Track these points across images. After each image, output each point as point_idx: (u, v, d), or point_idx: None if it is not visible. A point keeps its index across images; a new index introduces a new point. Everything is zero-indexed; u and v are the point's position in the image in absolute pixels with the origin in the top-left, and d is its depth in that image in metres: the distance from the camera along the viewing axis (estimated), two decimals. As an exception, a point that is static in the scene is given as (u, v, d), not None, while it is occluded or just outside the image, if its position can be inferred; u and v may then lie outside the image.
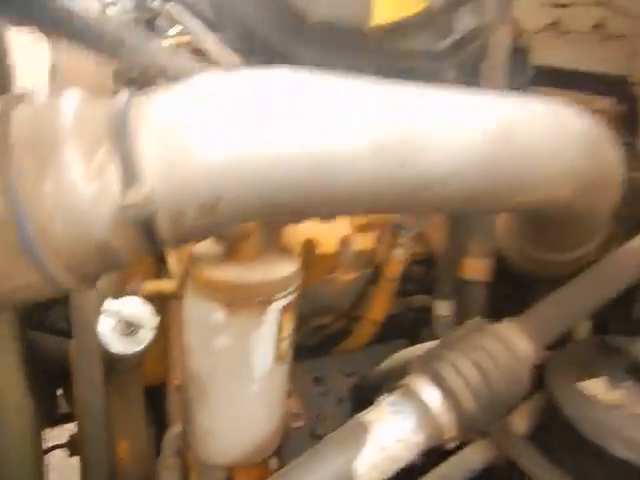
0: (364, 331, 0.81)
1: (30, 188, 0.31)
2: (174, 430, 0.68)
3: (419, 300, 0.89)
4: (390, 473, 0.47)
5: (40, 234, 0.32)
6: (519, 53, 0.97)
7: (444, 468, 0.59)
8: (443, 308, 0.79)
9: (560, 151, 0.42)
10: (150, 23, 0.91)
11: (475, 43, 0.61)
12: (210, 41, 0.72)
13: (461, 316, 0.80)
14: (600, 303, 0.54)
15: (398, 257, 0.76)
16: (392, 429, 0.47)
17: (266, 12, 0.62)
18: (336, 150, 0.36)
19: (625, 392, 0.55)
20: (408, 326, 0.85)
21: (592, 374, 0.58)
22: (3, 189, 0.31)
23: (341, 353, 0.82)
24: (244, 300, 0.51)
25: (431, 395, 0.47)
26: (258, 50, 0.65)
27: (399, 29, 0.57)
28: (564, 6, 1.08)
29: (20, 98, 0.34)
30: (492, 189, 0.40)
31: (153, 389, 0.82)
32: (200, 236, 0.48)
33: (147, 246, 0.34)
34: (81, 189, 0.31)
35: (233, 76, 0.36)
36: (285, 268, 0.53)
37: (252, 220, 0.47)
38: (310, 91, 0.36)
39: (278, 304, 0.53)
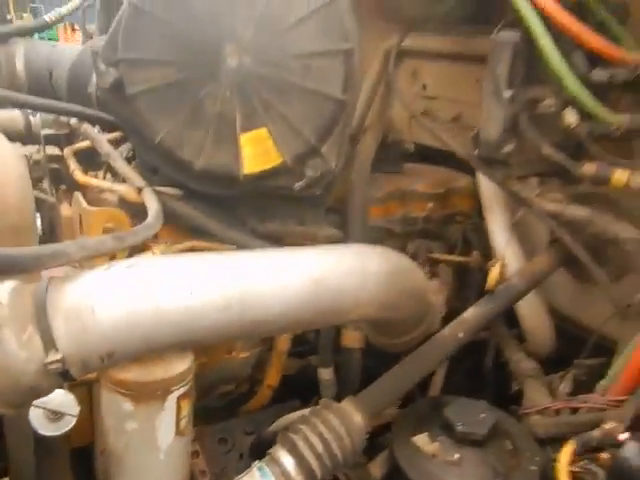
0: (262, 394, 0.97)
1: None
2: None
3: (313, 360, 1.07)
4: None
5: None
6: (392, 144, 1.19)
7: None
8: (325, 373, 0.97)
9: (362, 284, 0.62)
10: (68, 138, 1.06)
11: (322, 182, 0.80)
12: (119, 161, 0.88)
13: (341, 377, 0.98)
14: (418, 379, 0.73)
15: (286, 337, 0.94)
16: (258, 487, 0.64)
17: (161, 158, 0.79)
18: (196, 307, 0.53)
19: (439, 445, 0.74)
20: (303, 387, 1.02)
21: (420, 430, 0.77)
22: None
23: (245, 413, 0.98)
24: (148, 394, 0.67)
25: (287, 462, 0.65)
26: (158, 180, 0.82)
27: (263, 176, 0.75)
28: (432, 98, 1.32)
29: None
30: (315, 318, 0.59)
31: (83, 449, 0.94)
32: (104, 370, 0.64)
33: (64, 382, 0.50)
34: (16, 355, 0.46)
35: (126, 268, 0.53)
36: (181, 365, 0.69)
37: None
38: (175, 269, 0.54)
39: (176, 394, 0.69)
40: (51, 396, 0.73)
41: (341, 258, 0.65)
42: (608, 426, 0.62)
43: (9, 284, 0.49)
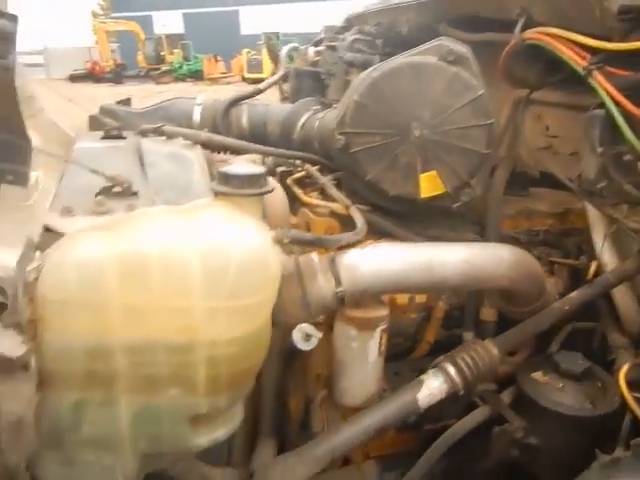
0: (422, 348, 1.42)
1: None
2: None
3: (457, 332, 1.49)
4: (433, 402, 1.08)
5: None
6: (520, 173, 1.58)
7: (456, 427, 1.18)
8: (468, 335, 1.39)
9: (498, 265, 1.04)
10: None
11: (469, 203, 1.26)
12: (332, 188, 1.39)
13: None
14: (535, 332, 1.14)
15: (441, 306, 1.38)
16: (433, 382, 1.08)
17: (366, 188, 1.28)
18: (411, 268, 1.00)
19: (549, 378, 1.13)
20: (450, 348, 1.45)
21: (537, 370, 1.17)
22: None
23: (408, 360, 1.44)
24: (366, 325, 1.15)
25: (450, 369, 1.09)
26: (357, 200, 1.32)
27: (432, 199, 1.22)
28: (553, 137, 1.68)
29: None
30: (468, 282, 1.03)
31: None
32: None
33: (341, 305, 0.99)
34: (324, 286, 0.96)
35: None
36: (383, 311, 1.16)
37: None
38: (399, 248, 1.01)
39: (380, 327, 1.16)
40: (303, 325, 1.24)
41: (483, 248, 1.08)
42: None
43: (315, 255, 0.99)
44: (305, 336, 1.13)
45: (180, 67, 22.68)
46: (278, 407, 1.34)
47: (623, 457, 0.84)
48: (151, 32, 25.63)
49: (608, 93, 1.04)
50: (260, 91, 2.17)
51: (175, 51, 23.35)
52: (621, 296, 1.26)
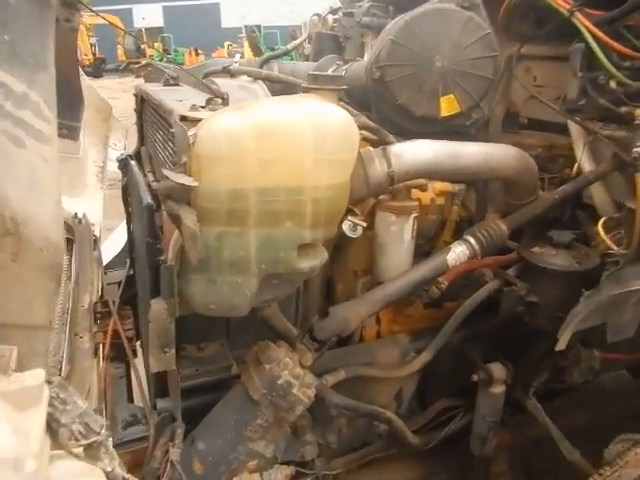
0: (438, 248, 1.76)
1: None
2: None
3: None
4: (457, 264, 1.42)
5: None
6: (512, 114, 1.93)
7: (473, 298, 1.53)
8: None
9: (505, 157, 1.39)
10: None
11: (478, 122, 1.60)
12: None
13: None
14: (536, 214, 1.49)
15: (455, 210, 1.72)
16: (458, 249, 1.42)
17: (397, 111, 1.61)
18: (440, 160, 1.33)
19: (545, 249, 1.48)
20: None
21: (534, 245, 1.52)
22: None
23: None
24: (403, 211, 1.47)
25: (471, 240, 1.43)
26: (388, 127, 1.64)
27: (449, 118, 1.55)
28: (540, 86, 2.04)
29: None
30: (484, 171, 1.37)
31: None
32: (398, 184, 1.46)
33: (391, 186, 1.32)
34: (379, 168, 1.29)
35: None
36: (414, 203, 1.49)
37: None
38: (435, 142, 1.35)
39: (413, 214, 1.49)
40: (351, 218, 1.56)
41: (494, 146, 1.43)
42: None
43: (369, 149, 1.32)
44: (353, 226, 1.44)
45: (160, 60, 22.69)
46: (326, 290, 1.67)
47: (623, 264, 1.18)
48: (131, 25, 25.56)
49: (587, 29, 1.38)
50: (288, 51, 2.49)
51: (155, 44, 23.39)
52: (597, 192, 1.61)
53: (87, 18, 24.46)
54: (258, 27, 19.51)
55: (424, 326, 1.72)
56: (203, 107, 1.16)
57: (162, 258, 1.16)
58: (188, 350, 1.46)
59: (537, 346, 1.59)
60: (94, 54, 23.82)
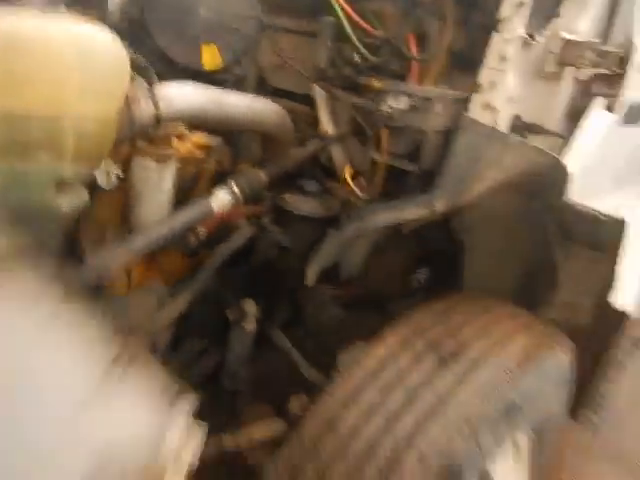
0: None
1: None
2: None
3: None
4: (221, 210, 1.47)
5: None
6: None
7: (228, 244, 1.61)
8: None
9: (267, 111, 1.49)
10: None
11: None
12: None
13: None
14: (289, 166, 1.63)
15: (212, 164, 1.75)
16: (221, 194, 1.47)
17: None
18: (208, 105, 1.35)
19: (296, 198, 1.65)
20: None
21: (286, 193, 1.68)
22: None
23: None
24: (163, 158, 1.44)
25: (234, 186, 1.50)
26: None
27: (215, 72, 1.58)
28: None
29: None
30: (251, 125, 1.45)
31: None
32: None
33: (157, 125, 1.28)
34: (146, 107, 1.24)
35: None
36: (174, 150, 1.48)
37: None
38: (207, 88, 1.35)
39: (174, 162, 1.48)
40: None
41: (257, 99, 1.51)
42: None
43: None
44: (107, 175, 1.35)
45: None
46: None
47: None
48: None
49: (340, 5, 1.56)
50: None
51: None
52: (336, 152, 1.85)
53: None
54: None
55: (182, 276, 1.73)
56: None
57: None
58: None
59: (284, 286, 1.77)
60: None
